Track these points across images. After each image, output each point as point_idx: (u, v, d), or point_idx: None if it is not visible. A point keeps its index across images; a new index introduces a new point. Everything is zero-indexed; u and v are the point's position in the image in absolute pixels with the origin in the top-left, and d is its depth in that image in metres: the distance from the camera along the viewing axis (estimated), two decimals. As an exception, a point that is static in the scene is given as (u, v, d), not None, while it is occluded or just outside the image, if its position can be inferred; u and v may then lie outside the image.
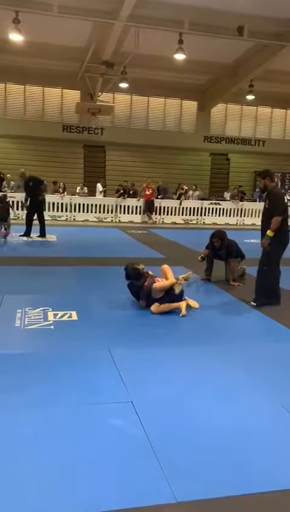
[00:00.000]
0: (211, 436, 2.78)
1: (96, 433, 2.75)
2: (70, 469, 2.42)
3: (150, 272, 5.55)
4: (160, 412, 3.03)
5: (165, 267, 5.68)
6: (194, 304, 5.45)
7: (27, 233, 11.04)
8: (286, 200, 5.82)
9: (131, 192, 17.90)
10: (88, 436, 2.73)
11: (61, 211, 16.61)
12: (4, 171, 17.81)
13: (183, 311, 5.22)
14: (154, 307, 5.29)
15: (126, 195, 17.51)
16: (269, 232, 5.47)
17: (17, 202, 16.03)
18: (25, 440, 2.65)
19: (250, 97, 20.06)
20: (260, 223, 5.93)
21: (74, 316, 5.01)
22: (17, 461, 2.47)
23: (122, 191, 17.66)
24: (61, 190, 17.33)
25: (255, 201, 19.95)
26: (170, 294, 5.37)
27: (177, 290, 5.38)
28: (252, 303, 5.73)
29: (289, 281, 6.07)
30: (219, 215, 18.15)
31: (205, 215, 18.04)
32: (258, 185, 22.72)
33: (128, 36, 14.87)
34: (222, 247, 6.73)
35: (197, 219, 17.94)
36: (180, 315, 5.18)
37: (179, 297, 5.44)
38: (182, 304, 5.32)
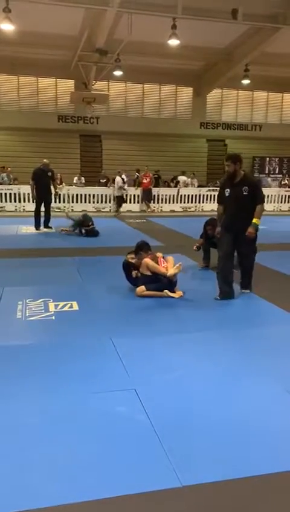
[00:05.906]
0: (214, 421, 2.80)
1: (101, 421, 2.77)
2: (75, 457, 2.44)
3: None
4: (163, 398, 3.05)
5: (170, 258, 5.68)
6: (178, 293, 5.42)
7: (37, 226, 11.10)
8: None
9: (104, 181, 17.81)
10: (93, 423, 2.75)
11: (59, 202, 16.52)
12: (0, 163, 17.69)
13: (176, 295, 5.31)
14: (140, 289, 5.35)
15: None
16: (256, 221, 5.39)
17: (9, 194, 15.99)
18: (30, 429, 2.67)
19: (246, 81, 19.83)
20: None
21: (75, 306, 5.03)
22: (23, 450, 2.48)
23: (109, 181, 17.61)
24: (58, 181, 17.22)
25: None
26: (159, 280, 5.39)
27: (170, 273, 5.33)
28: (244, 290, 5.69)
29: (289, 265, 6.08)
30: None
31: (203, 202, 17.98)
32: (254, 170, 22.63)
33: (121, 23, 14.63)
34: (215, 235, 6.72)
35: (196, 206, 17.89)
36: (177, 297, 5.28)
37: (169, 286, 5.41)
38: (167, 293, 5.32)
